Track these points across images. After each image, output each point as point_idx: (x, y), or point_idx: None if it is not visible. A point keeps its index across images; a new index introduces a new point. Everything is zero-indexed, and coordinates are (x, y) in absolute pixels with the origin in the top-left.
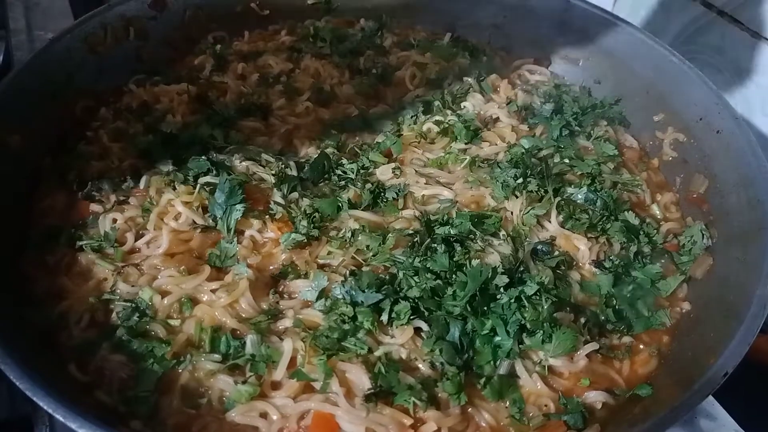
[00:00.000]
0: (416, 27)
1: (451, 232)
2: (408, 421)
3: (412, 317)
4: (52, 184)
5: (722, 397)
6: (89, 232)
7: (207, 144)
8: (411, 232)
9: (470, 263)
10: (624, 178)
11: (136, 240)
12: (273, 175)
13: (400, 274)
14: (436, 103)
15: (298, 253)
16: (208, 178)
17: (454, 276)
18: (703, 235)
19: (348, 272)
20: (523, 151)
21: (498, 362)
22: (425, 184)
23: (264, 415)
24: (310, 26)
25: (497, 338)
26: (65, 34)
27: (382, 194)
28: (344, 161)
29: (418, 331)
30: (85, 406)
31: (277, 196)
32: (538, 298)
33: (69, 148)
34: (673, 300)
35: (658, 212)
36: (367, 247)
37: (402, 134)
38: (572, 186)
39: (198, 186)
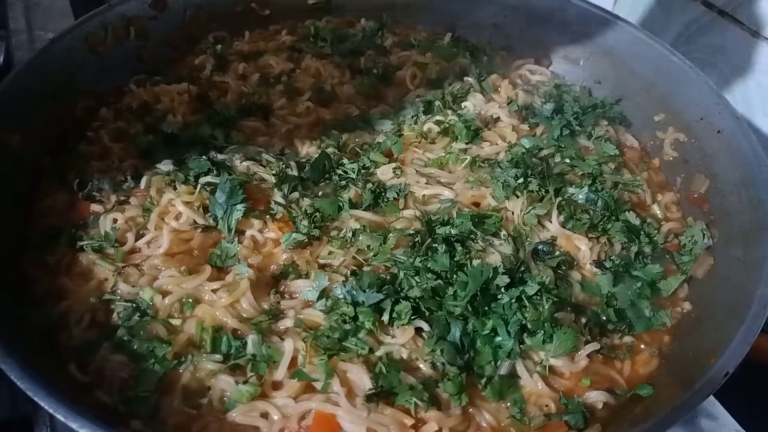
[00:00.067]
0: (417, 27)
1: (452, 232)
2: (409, 422)
3: (413, 317)
4: (52, 184)
5: (723, 397)
6: (90, 232)
7: (208, 144)
8: (412, 232)
9: (471, 263)
10: (625, 178)
11: (136, 240)
12: (274, 174)
13: (401, 274)
14: (437, 102)
15: (299, 253)
16: (208, 178)
17: (454, 276)
18: (703, 234)
19: (349, 272)
20: (524, 150)
21: (499, 362)
22: (426, 183)
23: (265, 415)
24: (310, 26)
25: (498, 338)
26: (66, 34)
27: (383, 194)
28: (345, 161)
29: (419, 331)
30: (86, 406)
31: (278, 196)
32: (539, 298)
33: (69, 148)
34: (674, 300)
35: (658, 212)
36: (368, 247)
37: (403, 134)
38: (573, 186)
39: (199, 186)
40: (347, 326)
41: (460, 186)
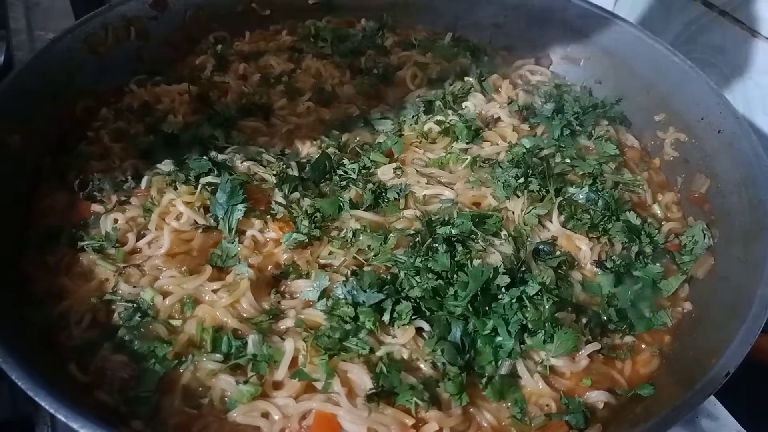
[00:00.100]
0: (417, 27)
1: (453, 232)
2: (410, 421)
3: (413, 317)
4: (52, 184)
5: (724, 397)
6: (90, 232)
7: (208, 144)
8: (412, 232)
9: (471, 263)
10: (625, 178)
11: (137, 240)
12: (274, 175)
13: (402, 274)
14: (438, 102)
15: (300, 253)
16: (209, 178)
17: (455, 276)
18: (704, 234)
19: (349, 272)
20: (525, 150)
21: (499, 362)
22: (426, 184)
23: (266, 415)
24: (311, 26)
25: (499, 338)
26: (66, 35)
27: (384, 194)
28: (345, 161)
29: (419, 331)
30: (86, 406)
31: (279, 196)
32: (539, 298)
33: (69, 148)
34: (674, 300)
35: (659, 212)
36: (369, 247)
37: (403, 134)
38: (574, 186)
39: (199, 186)
40: (348, 326)
41: (460, 186)
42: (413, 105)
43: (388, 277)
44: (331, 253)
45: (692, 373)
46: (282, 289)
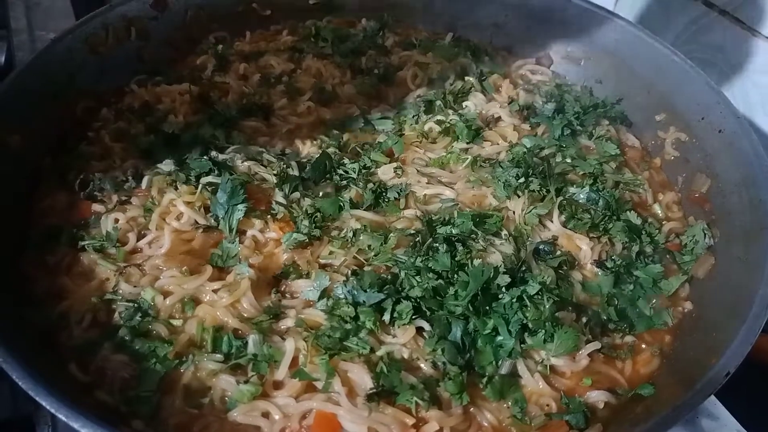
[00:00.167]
0: (418, 27)
1: (453, 231)
2: (410, 421)
3: (414, 317)
4: (52, 184)
5: (724, 397)
6: (91, 232)
7: (209, 144)
8: (413, 231)
9: (472, 263)
10: (626, 178)
11: (138, 240)
12: (275, 175)
13: (402, 274)
14: (438, 102)
15: (300, 252)
16: (210, 178)
17: (455, 276)
18: (705, 234)
19: (350, 272)
20: (525, 150)
21: (500, 362)
22: (427, 183)
23: (266, 415)
24: (311, 26)
25: (499, 338)
26: (67, 35)
27: (384, 194)
28: (346, 161)
29: (420, 330)
30: (87, 406)
31: (279, 196)
32: (539, 297)
33: (69, 148)
34: (675, 300)
35: (660, 212)
36: (369, 246)
37: (403, 134)
38: (574, 185)
39: (200, 186)
40: (348, 326)
41: (461, 186)
42: (414, 105)
43: (389, 276)
44: (331, 252)
45: (692, 372)
46: (282, 289)
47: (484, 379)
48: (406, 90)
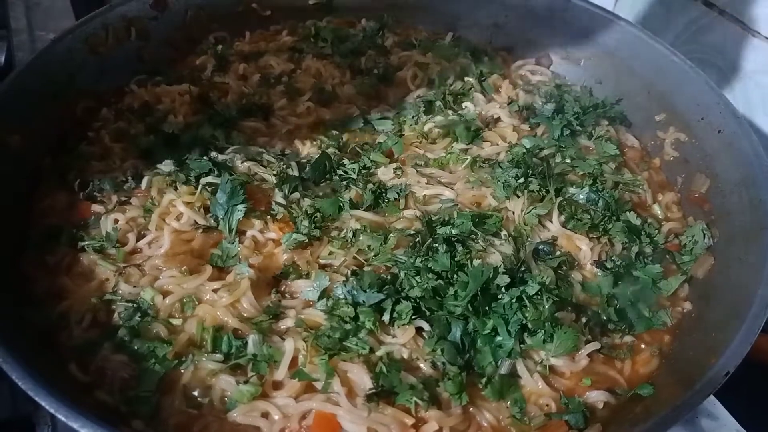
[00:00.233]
0: (417, 27)
1: (453, 232)
2: (410, 421)
3: (413, 317)
4: (52, 184)
5: (724, 397)
6: (91, 232)
7: (208, 144)
8: (412, 232)
9: (471, 263)
10: (625, 178)
11: (137, 240)
12: (274, 175)
13: (402, 274)
14: (438, 103)
15: (300, 253)
16: (209, 179)
17: (455, 276)
18: (704, 234)
19: (349, 272)
20: (525, 150)
21: (499, 362)
22: (426, 184)
23: (265, 415)
24: (311, 26)
25: (498, 338)
26: (67, 35)
27: (384, 194)
28: (345, 161)
29: (419, 330)
30: (87, 406)
31: (279, 197)
32: (539, 297)
33: (69, 148)
34: (674, 300)
35: (659, 212)
36: (369, 247)
37: (403, 134)
38: (574, 186)
39: (200, 186)
40: (348, 326)
41: (460, 186)
42: (413, 105)
43: (388, 277)
44: (331, 253)
45: (692, 372)
46: (282, 289)
47: (484, 379)
48: (405, 90)
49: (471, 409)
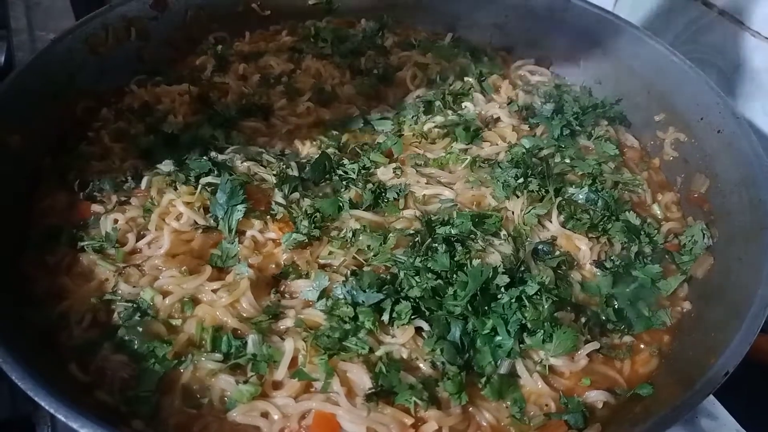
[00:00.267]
0: (417, 27)
1: (452, 231)
2: (409, 421)
3: (413, 317)
4: (52, 184)
5: (723, 397)
6: (90, 232)
7: (208, 144)
8: (412, 232)
9: (471, 263)
10: (625, 178)
11: (137, 240)
12: (274, 175)
13: (401, 274)
14: (437, 103)
15: (299, 253)
16: (209, 179)
17: (455, 276)
18: (704, 234)
19: (349, 272)
20: (524, 150)
21: (499, 362)
22: (426, 184)
23: (265, 415)
24: (311, 27)
25: (498, 338)
26: (67, 35)
27: (383, 194)
28: (345, 161)
29: (419, 330)
30: (87, 406)
31: (279, 197)
32: (538, 297)
33: (69, 148)
34: (673, 299)
35: (659, 212)
36: (368, 247)
37: (403, 134)
38: (573, 186)
39: (199, 186)
40: (347, 326)
41: (460, 186)
42: (413, 105)
43: (388, 277)
44: (330, 253)
45: (691, 372)
46: (282, 289)
47: (483, 379)
48: (405, 90)
49: (470, 408)
